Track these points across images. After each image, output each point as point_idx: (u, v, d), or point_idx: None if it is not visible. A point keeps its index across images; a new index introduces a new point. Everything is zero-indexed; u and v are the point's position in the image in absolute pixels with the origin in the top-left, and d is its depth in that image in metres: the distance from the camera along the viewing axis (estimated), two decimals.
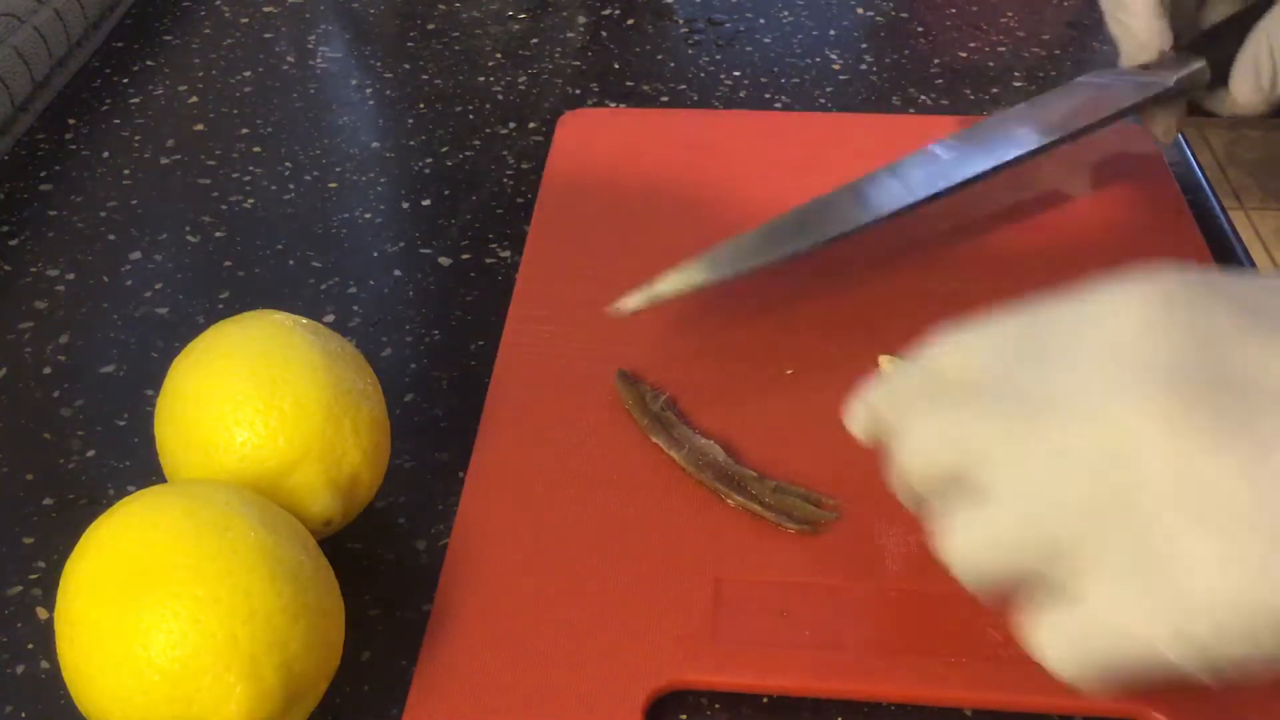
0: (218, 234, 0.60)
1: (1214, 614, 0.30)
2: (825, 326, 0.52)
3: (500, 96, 0.70)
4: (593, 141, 0.64)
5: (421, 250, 0.58)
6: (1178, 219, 0.57)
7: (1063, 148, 0.55)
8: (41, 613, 0.43)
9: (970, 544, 0.34)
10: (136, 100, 0.70)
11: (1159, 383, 0.31)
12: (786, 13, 0.76)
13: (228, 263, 0.58)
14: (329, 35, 0.76)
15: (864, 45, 0.73)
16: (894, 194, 0.52)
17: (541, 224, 0.58)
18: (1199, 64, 0.53)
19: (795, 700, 0.39)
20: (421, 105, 0.69)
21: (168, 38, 0.76)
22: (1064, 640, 0.33)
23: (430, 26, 0.76)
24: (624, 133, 0.65)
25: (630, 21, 0.77)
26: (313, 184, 0.63)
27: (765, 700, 0.39)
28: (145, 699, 0.33)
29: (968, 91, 0.69)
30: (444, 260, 0.58)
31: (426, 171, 0.64)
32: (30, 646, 0.42)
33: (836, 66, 0.71)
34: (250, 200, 0.62)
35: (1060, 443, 0.32)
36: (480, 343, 0.53)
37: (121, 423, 0.50)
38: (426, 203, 0.62)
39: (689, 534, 0.44)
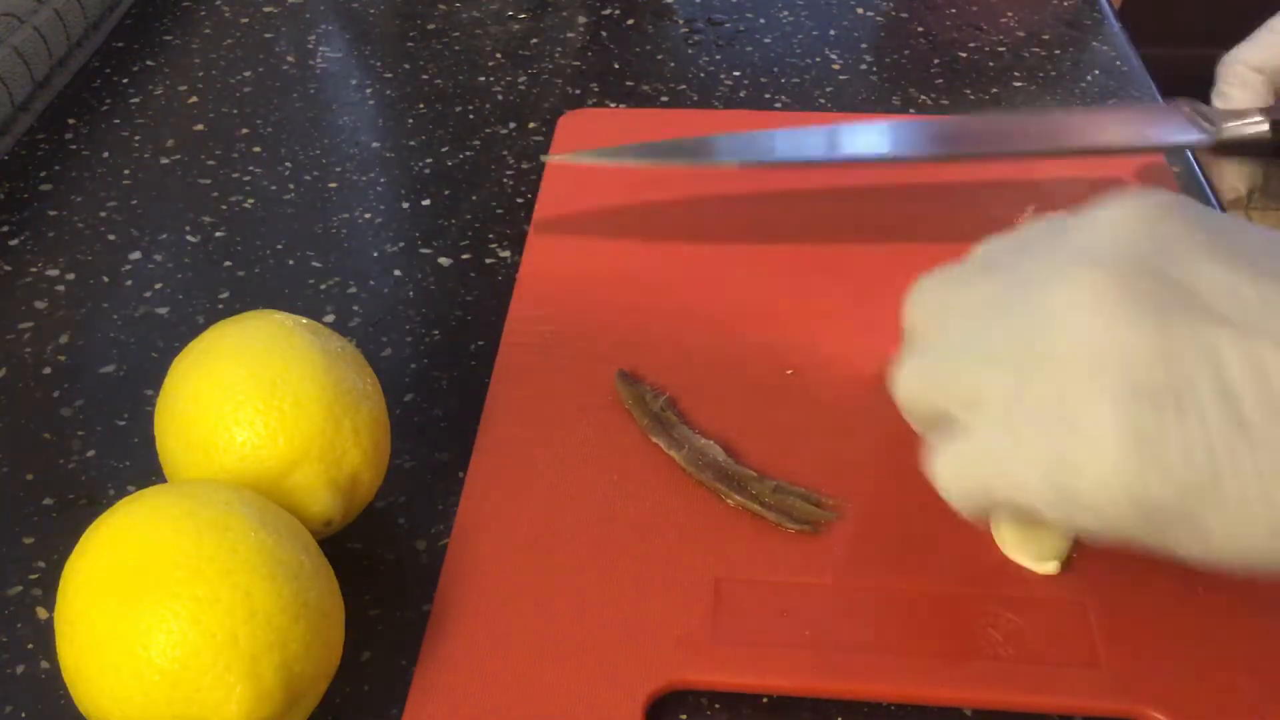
0: (218, 234, 0.60)
1: (1092, 481, 0.32)
2: (825, 326, 0.52)
3: (500, 96, 0.70)
4: (593, 141, 0.64)
5: (421, 250, 0.58)
6: None
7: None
8: (41, 613, 0.43)
9: (909, 375, 0.39)
10: (136, 100, 0.70)
11: (1101, 266, 0.34)
12: (786, 13, 0.76)
13: (228, 263, 0.58)
14: (329, 35, 0.76)
15: (864, 45, 0.73)
16: (867, 144, 0.56)
17: (541, 224, 0.58)
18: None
19: (795, 700, 0.39)
20: (421, 105, 0.69)
21: (168, 38, 0.76)
22: (953, 469, 0.37)
23: (430, 26, 0.76)
24: (624, 133, 0.64)
25: (630, 21, 0.77)
26: (313, 184, 0.63)
27: (765, 700, 0.39)
28: (145, 699, 0.33)
29: (968, 91, 0.69)
30: (444, 260, 0.58)
31: (426, 171, 0.64)
32: (30, 646, 0.42)
33: (836, 66, 0.71)
34: (250, 200, 0.62)
35: (1002, 304, 0.36)
36: (480, 343, 0.53)
37: (121, 423, 0.50)
38: (426, 203, 0.62)
39: (689, 534, 0.44)
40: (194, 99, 0.70)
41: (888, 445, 0.47)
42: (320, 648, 0.36)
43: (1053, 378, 0.34)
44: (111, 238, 0.60)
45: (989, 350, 0.36)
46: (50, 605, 0.41)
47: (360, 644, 0.41)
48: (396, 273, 0.57)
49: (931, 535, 0.43)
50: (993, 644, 0.40)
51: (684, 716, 0.39)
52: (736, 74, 0.71)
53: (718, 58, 0.72)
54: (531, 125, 0.67)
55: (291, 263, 0.58)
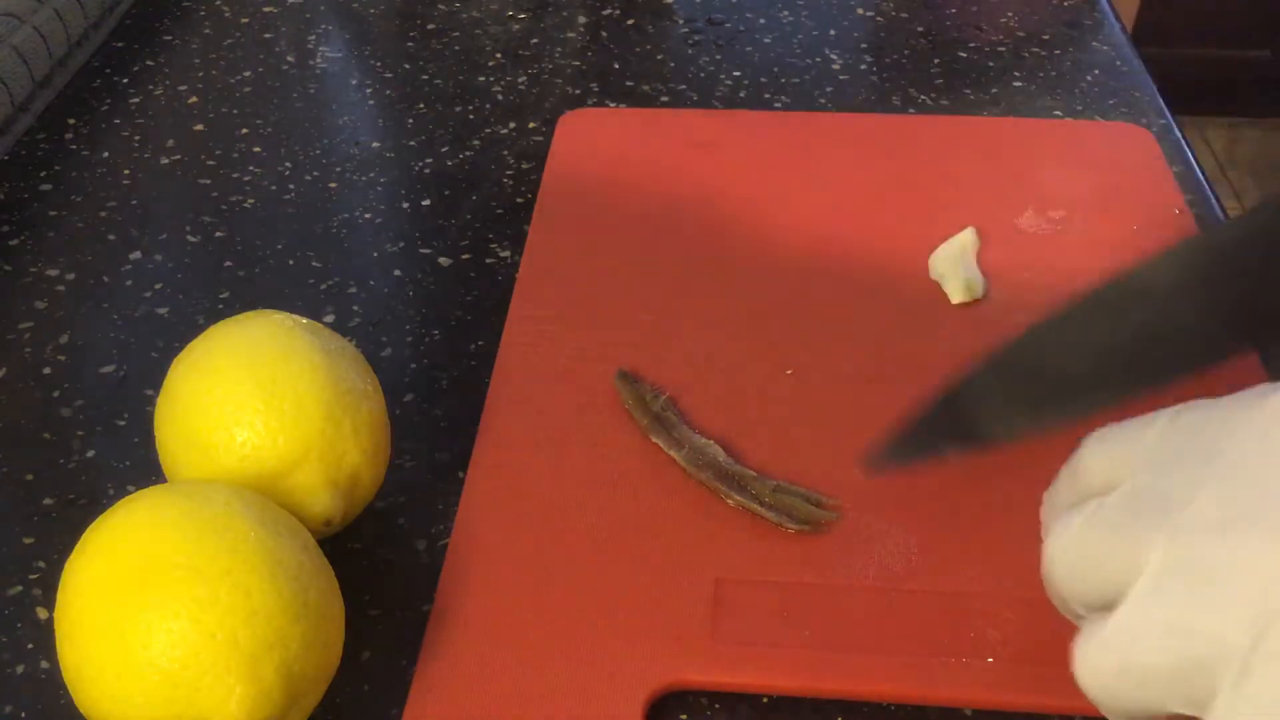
0: (218, 234, 0.60)
1: None
2: (825, 326, 0.52)
3: (500, 96, 0.70)
4: (593, 141, 0.64)
5: (421, 250, 0.58)
6: (1178, 219, 0.57)
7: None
8: (41, 613, 0.43)
9: (1080, 533, 0.32)
10: (136, 100, 0.70)
11: None
12: (786, 13, 0.76)
13: (228, 263, 0.58)
14: (329, 35, 0.76)
15: (864, 45, 0.73)
16: None
17: (541, 224, 0.58)
18: None
19: (795, 700, 0.39)
20: (421, 105, 0.69)
21: (168, 38, 0.76)
22: (1114, 649, 0.30)
23: (430, 26, 0.76)
24: (624, 133, 0.64)
25: (630, 21, 0.77)
26: (313, 184, 0.63)
27: (765, 700, 0.39)
28: (145, 699, 0.33)
29: (968, 91, 0.69)
30: (444, 260, 0.58)
31: (426, 171, 0.64)
32: (30, 646, 0.42)
33: (836, 66, 0.71)
34: (250, 200, 0.62)
35: (1228, 560, 0.28)
36: (480, 343, 0.53)
37: (121, 423, 0.50)
38: (426, 203, 0.62)
39: (689, 534, 0.44)
40: (194, 99, 0.70)
41: None
42: (320, 648, 0.36)
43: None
44: (111, 238, 0.60)
45: (1220, 617, 0.28)
46: (50, 605, 0.41)
47: (360, 644, 0.41)
48: (396, 273, 0.57)
49: (932, 535, 0.43)
50: (993, 644, 0.40)
51: (684, 716, 0.39)
52: (736, 74, 0.71)
53: (718, 58, 0.72)
54: (531, 125, 0.67)
55: (291, 263, 0.58)
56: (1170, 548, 0.29)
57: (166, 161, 0.65)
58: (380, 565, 0.44)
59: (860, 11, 0.77)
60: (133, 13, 0.78)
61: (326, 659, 0.36)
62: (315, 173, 0.64)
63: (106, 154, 0.66)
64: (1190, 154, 0.63)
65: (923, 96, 0.68)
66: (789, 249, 0.56)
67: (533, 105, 0.69)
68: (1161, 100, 0.68)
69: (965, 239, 0.55)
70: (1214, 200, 0.60)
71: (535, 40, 0.75)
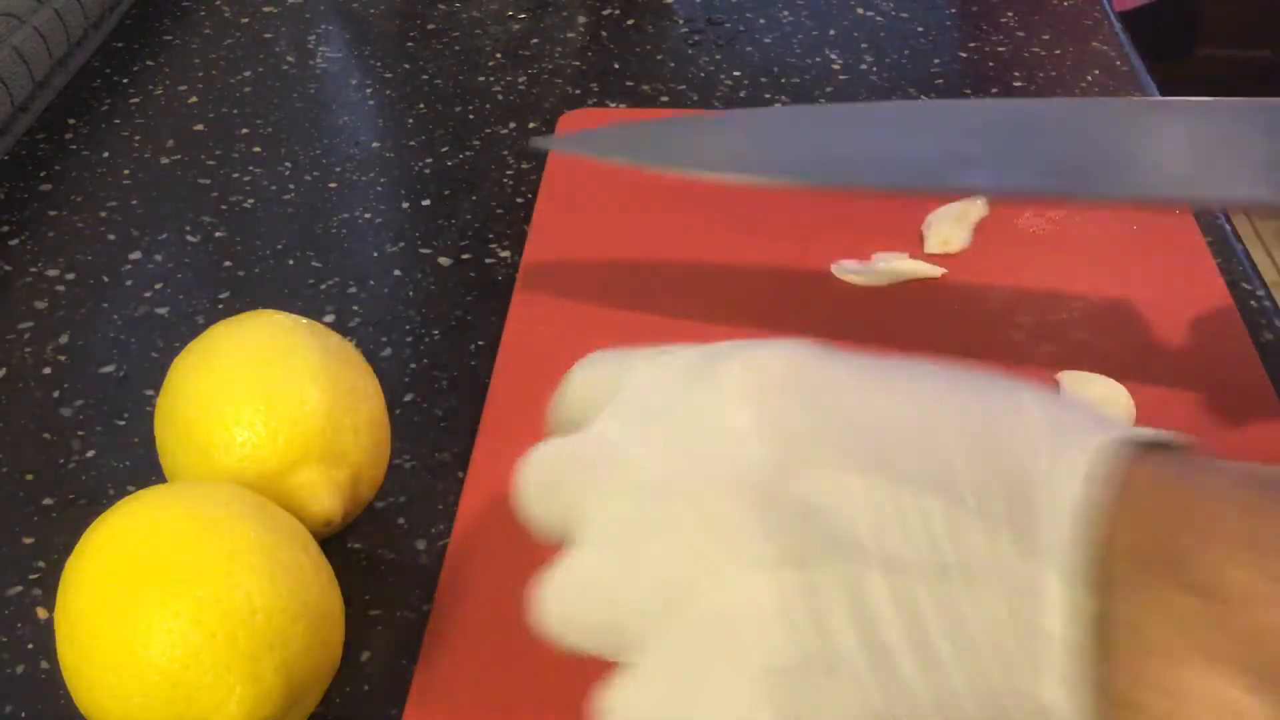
0: (218, 234, 0.60)
1: None
2: (825, 326, 0.52)
3: (500, 96, 0.70)
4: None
5: (421, 250, 0.58)
6: (1178, 219, 0.57)
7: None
8: (41, 613, 0.43)
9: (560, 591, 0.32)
10: (136, 100, 0.70)
11: (741, 501, 0.28)
12: (786, 13, 0.76)
13: (228, 263, 0.58)
14: (329, 35, 0.76)
15: (864, 45, 0.73)
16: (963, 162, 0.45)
17: (541, 224, 0.58)
18: None
19: None
20: (421, 105, 0.69)
21: (168, 38, 0.76)
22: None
23: (430, 26, 0.76)
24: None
25: (630, 21, 0.77)
26: (313, 184, 0.63)
27: None
28: (145, 699, 0.33)
29: (968, 91, 0.69)
30: (444, 260, 0.58)
31: (426, 171, 0.64)
32: (30, 646, 0.42)
33: (836, 66, 0.71)
34: (250, 200, 0.62)
35: (650, 526, 0.29)
36: (480, 343, 0.53)
37: (121, 423, 0.50)
38: (426, 203, 0.62)
39: None
40: (194, 99, 0.70)
41: None
42: (320, 648, 0.36)
43: (688, 630, 0.28)
44: (111, 238, 0.60)
45: (637, 577, 0.29)
46: (50, 605, 0.41)
47: (360, 644, 0.41)
48: (396, 273, 0.57)
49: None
50: None
51: None
52: (736, 74, 0.71)
53: (718, 58, 0.72)
54: (531, 125, 0.67)
55: (291, 263, 0.58)
56: (604, 505, 0.30)
57: (166, 161, 0.65)
58: (380, 565, 0.44)
59: (860, 11, 0.77)
60: (133, 13, 0.77)
61: (326, 659, 0.36)
62: (315, 173, 0.64)
63: (106, 154, 0.66)
64: None
65: (923, 96, 0.68)
66: (789, 248, 0.56)
67: (533, 105, 0.69)
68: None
69: (971, 201, 0.56)
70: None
71: (535, 40, 0.75)
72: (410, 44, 0.75)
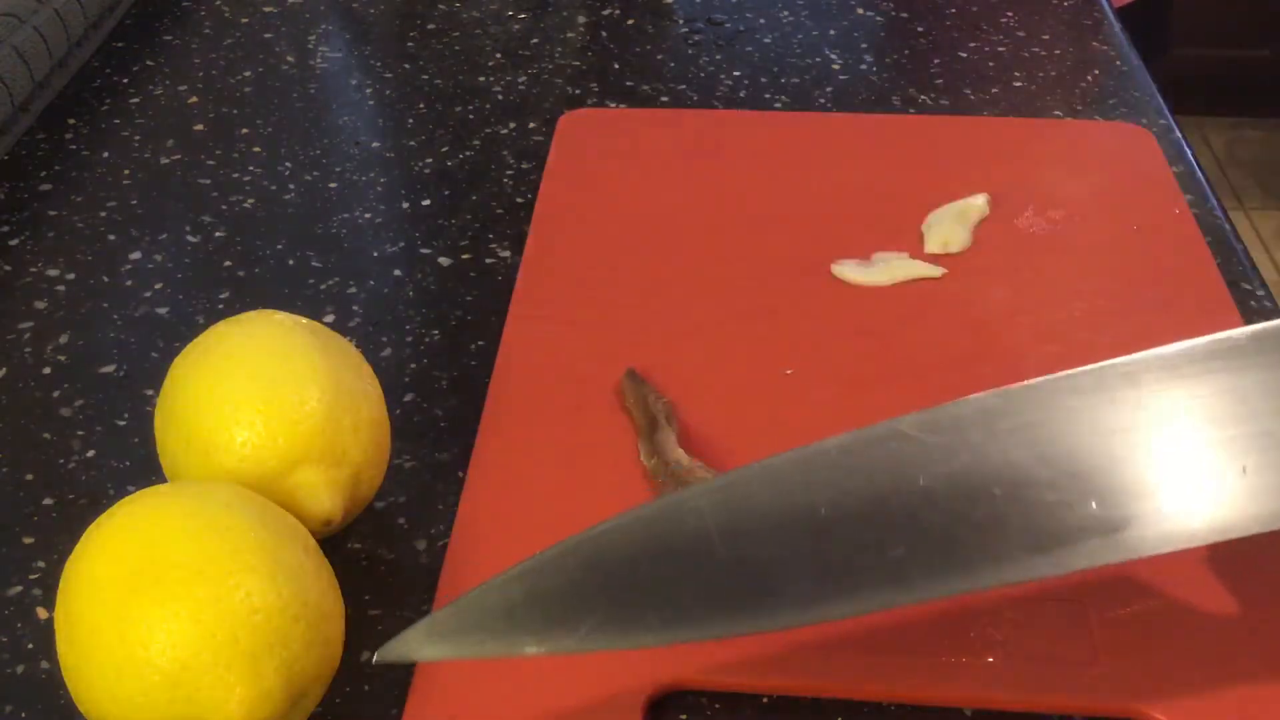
0: (218, 234, 0.60)
1: None
2: (825, 326, 0.52)
3: (500, 96, 0.70)
4: (593, 141, 0.64)
5: (421, 250, 0.58)
6: (1178, 219, 0.57)
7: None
8: (41, 613, 0.43)
9: None
10: (136, 100, 0.70)
11: None
12: (786, 13, 0.76)
13: (228, 263, 0.58)
14: (329, 35, 0.76)
15: (864, 45, 0.73)
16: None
17: (541, 224, 0.58)
18: None
19: (795, 700, 0.39)
20: (421, 105, 0.69)
21: (168, 38, 0.76)
22: None
23: (430, 26, 0.76)
24: (624, 133, 0.65)
25: (630, 21, 0.77)
26: (313, 184, 0.63)
27: (765, 700, 0.39)
28: (145, 699, 0.33)
29: (968, 91, 0.69)
30: (444, 260, 0.58)
31: (426, 171, 0.64)
32: (30, 646, 0.42)
33: (836, 66, 0.71)
34: (250, 200, 0.62)
35: None
36: (480, 343, 0.53)
37: (121, 423, 0.50)
38: (426, 203, 0.62)
39: None
40: (194, 99, 0.70)
41: None
42: (320, 648, 0.36)
43: None
44: (111, 238, 0.60)
45: None
46: (50, 605, 0.41)
47: (360, 644, 0.41)
48: (396, 273, 0.57)
49: None
50: (993, 644, 0.40)
51: (684, 716, 0.39)
52: (736, 74, 0.71)
53: (718, 58, 0.72)
54: (531, 125, 0.67)
55: (291, 263, 0.58)
56: None
57: (166, 161, 0.65)
58: (380, 565, 0.44)
59: (860, 11, 0.77)
60: (133, 13, 0.77)
61: (326, 659, 0.36)
62: (315, 173, 0.64)
63: (106, 154, 0.66)
64: (1190, 154, 0.63)
65: (923, 96, 0.68)
66: (788, 248, 0.56)
67: (533, 105, 0.69)
68: (1161, 100, 0.68)
69: (972, 201, 0.56)
70: (1214, 200, 0.60)
71: (535, 40, 0.75)
72: (410, 44, 0.75)
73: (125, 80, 0.72)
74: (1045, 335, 0.51)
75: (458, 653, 0.34)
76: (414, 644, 0.34)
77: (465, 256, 0.58)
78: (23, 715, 0.40)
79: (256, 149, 0.66)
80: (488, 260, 0.58)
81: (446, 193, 0.62)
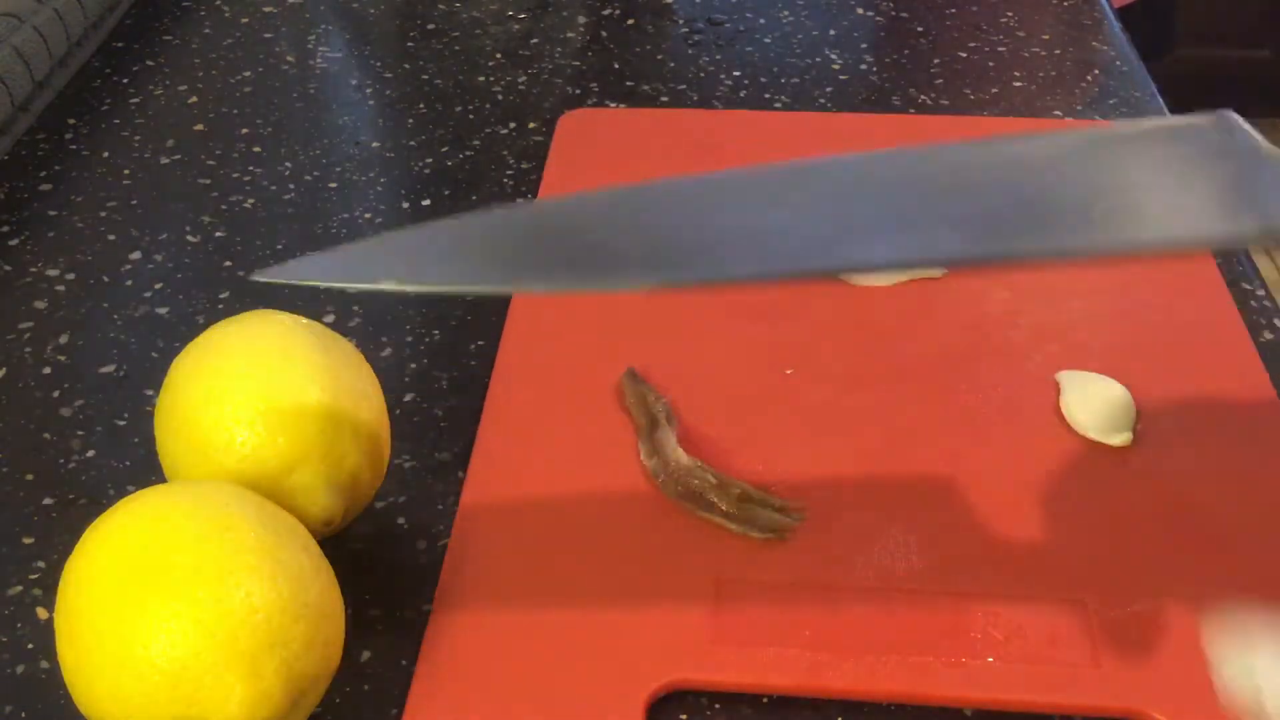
0: (218, 234, 0.60)
1: None
2: (824, 326, 0.52)
3: (500, 96, 0.70)
4: (593, 141, 0.64)
5: None
6: None
7: None
8: (41, 613, 0.43)
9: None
10: (136, 100, 0.70)
11: None
12: (786, 13, 0.76)
13: (228, 263, 0.58)
14: (329, 35, 0.76)
15: (864, 45, 0.73)
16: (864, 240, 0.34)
17: None
18: None
19: (795, 700, 0.39)
20: (421, 105, 0.69)
21: (168, 38, 0.76)
22: None
23: (430, 26, 0.76)
24: (624, 133, 0.64)
25: (630, 21, 0.77)
26: (313, 184, 0.63)
27: (765, 700, 0.39)
28: (145, 699, 0.33)
29: (968, 91, 0.69)
30: None
31: (426, 171, 0.64)
32: (30, 646, 0.42)
33: (836, 66, 0.71)
34: (250, 200, 0.62)
35: None
36: (480, 343, 0.53)
37: (121, 423, 0.50)
38: (426, 203, 0.62)
39: (689, 534, 0.43)
40: (194, 99, 0.70)
41: (889, 444, 0.47)
42: (320, 648, 0.36)
43: None
44: (111, 238, 0.60)
45: None
46: (50, 605, 0.41)
47: (360, 644, 0.41)
48: None
49: (932, 534, 0.43)
50: (993, 644, 0.40)
51: (684, 716, 0.39)
52: (736, 74, 0.71)
53: (718, 58, 0.72)
54: (531, 125, 0.67)
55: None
56: None
57: (166, 161, 0.65)
58: (380, 565, 0.44)
59: (860, 11, 0.77)
60: (133, 13, 0.78)
61: (326, 659, 0.36)
62: (315, 173, 0.64)
63: (106, 154, 0.66)
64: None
65: (923, 96, 0.68)
66: None
67: (533, 105, 0.69)
68: (1161, 100, 0.68)
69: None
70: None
71: (535, 40, 0.75)
72: (410, 44, 0.75)
73: (125, 80, 0.72)
74: (1045, 335, 0.51)
75: (324, 279, 0.37)
76: (290, 270, 0.37)
77: None
78: (23, 715, 0.40)
79: (256, 149, 0.66)
80: None
81: (446, 193, 0.62)
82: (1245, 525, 0.44)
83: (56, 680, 0.37)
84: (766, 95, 0.69)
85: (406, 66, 0.72)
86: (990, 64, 0.71)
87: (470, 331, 0.54)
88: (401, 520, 0.46)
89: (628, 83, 0.70)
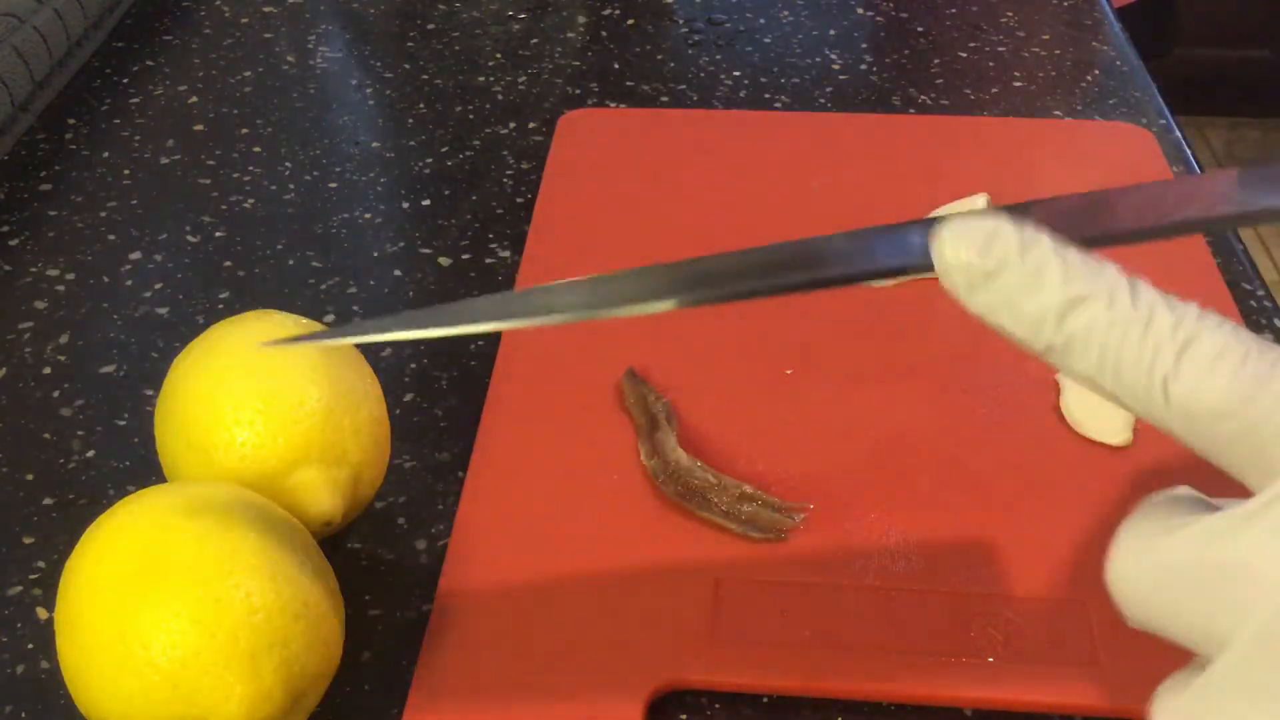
0: (218, 234, 0.60)
1: None
2: (824, 326, 0.52)
3: (500, 96, 0.70)
4: (593, 141, 0.64)
5: (421, 250, 0.58)
6: None
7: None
8: (41, 613, 0.43)
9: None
10: (136, 100, 0.70)
11: None
12: (786, 13, 0.76)
13: (228, 263, 0.58)
14: (329, 35, 0.76)
15: (864, 45, 0.73)
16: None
17: (541, 224, 0.58)
18: None
19: (795, 700, 0.39)
20: (421, 105, 0.69)
21: (168, 38, 0.76)
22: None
23: (430, 26, 0.76)
24: (624, 133, 0.64)
25: (630, 21, 0.77)
26: (313, 184, 0.63)
27: (765, 700, 0.39)
28: (145, 699, 0.33)
29: (968, 91, 0.69)
30: (444, 260, 0.58)
31: (426, 171, 0.64)
32: (30, 646, 0.42)
33: (836, 66, 0.71)
34: (250, 200, 0.62)
35: None
36: (480, 343, 0.53)
37: (121, 423, 0.50)
38: (426, 203, 0.62)
39: (689, 534, 0.44)
40: (194, 99, 0.70)
41: (890, 444, 0.47)
42: (320, 648, 0.36)
43: None
44: (111, 238, 0.60)
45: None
46: (50, 605, 0.41)
47: (360, 644, 0.41)
48: (396, 273, 0.57)
49: (932, 534, 0.43)
50: (993, 644, 0.40)
51: (684, 716, 0.39)
52: (736, 74, 0.71)
53: (718, 58, 0.72)
54: (531, 125, 0.67)
55: (291, 263, 0.58)
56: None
57: (166, 161, 0.65)
58: (380, 565, 0.44)
59: (860, 11, 0.77)
60: (133, 13, 0.78)
61: (326, 659, 0.36)
62: (315, 173, 0.64)
63: (106, 154, 0.66)
64: (1190, 154, 0.63)
65: (923, 96, 0.68)
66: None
67: (533, 105, 0.69)
68: (1161, 100, 0.68)
69: (974, 201, 0.56)
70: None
71: (535, 40, 0.75)
72: (410, 44, 0.75)
73: (125, 80, 0.72)
74: None
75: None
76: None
77: (465, 256, 0.58)
78: (23, 715, 0.40)
79: (256, 149, 0.66)
80: (488, 260, 0.58)
81: (446, 193, 0.62)
82: None
83: (56, 680, 0.37)
84: (766, 95, 0.69)
85: (406, 66, 0.72)
86: (990, 64, 0.71)
87: None
88: (401, 520, 0.46)
89: (628, 83, 0.70)
